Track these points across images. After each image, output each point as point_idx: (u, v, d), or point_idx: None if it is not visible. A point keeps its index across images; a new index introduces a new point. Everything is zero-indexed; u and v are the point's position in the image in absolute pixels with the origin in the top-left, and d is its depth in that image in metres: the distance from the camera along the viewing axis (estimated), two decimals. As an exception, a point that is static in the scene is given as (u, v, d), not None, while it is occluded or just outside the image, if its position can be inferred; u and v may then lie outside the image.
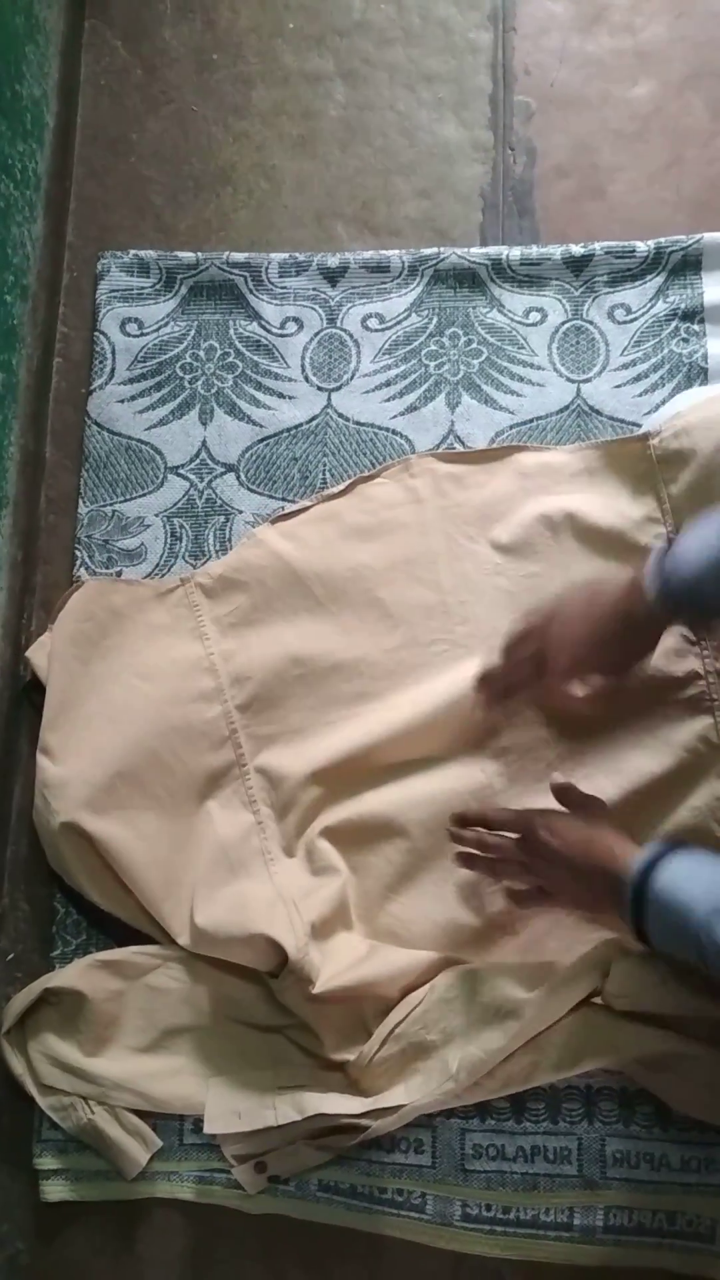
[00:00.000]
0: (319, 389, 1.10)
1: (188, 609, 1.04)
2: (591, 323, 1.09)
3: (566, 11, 1.19)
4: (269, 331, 1.11)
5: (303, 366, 1.11)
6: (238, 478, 1.08)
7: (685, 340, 1.07)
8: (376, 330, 1.11)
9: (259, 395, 1.10)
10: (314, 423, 1.09)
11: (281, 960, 0.89)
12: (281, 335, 1.11)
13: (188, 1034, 0.94)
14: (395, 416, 1.09)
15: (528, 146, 1.16)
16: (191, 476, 1.08)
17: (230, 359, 1.11)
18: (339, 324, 1.11)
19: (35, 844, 1.01)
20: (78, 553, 1.07)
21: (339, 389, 1.10)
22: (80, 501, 1.09)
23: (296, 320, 1.12)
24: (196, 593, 1.04)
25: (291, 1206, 0.92)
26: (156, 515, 1.08)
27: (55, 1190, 0.94)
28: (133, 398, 1.11)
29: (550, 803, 0.89)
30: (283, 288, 1.12)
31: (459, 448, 1.07)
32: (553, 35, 1.19)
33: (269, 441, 1.09)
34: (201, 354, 1.12)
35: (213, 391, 1.10)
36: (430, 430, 1.08)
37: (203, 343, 1.12)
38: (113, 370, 1.11)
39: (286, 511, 1.06)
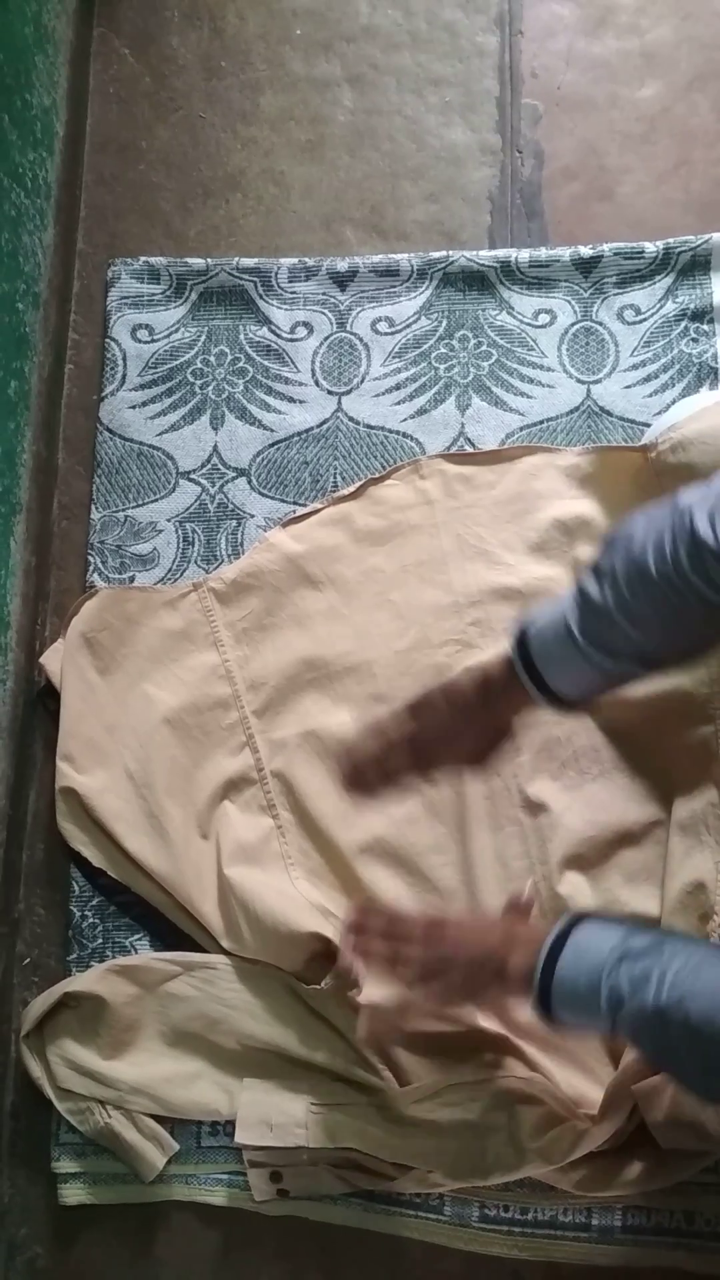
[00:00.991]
0: (329, 393, 1.10)
1: (201, 614, 1.04)
2: (601, 324, 1.09)
3: (573, 14, 1.20)
4: (279, 336, 1.12)
5: (313, 371, 1.11)
6: (249, 482, 1.09)
7: (695, 340, 1.07)
8: (386, 334, 1.11)
9: (269, 400, 1.10)
10: (324, 426, 1.09)
11: (322, 965, 0.90)
12: (291, 340, 1.12)
13: (206, 1041, 0.94)
14: (406, 419, 1.09)
15: (535, 149, 1.17)
16: (203, 481, 1.09)
17: (241, 364, 1.12)
18: (349, 328, 1.12)
19: (51, 849, 1.02)
20: (90, 558, 1.08)
21: (349, 393, 1.10)
22: (93, 507, 1.09)
23: (306, 325, 1.12)
24: (210, 598, 1.04)
25: (309, 1209, 0.92)
26: (169, 520, 1.08)
27: (73, 1193, 0.94)
28: (144, 404, 1.11)
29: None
30: (292, 292, 1.13)
31: (469, 450, 1.07)
32: (559, 38, 1.19)
33: (280, 446, 1.09)
34: (212, 359, 1.12)
35: (223, 396, 1.11)
36: (441, 433, 1.08)
37: (213, 348, 1.12)
38: (124, 376, 1.12)
39: (297, 515, 1.06)
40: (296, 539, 1.05)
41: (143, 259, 1.15)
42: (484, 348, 1.10)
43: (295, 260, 1.13)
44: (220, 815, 1.00)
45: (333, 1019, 0.91)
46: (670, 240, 1.09)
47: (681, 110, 1.16)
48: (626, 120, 1.16)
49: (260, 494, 1.08)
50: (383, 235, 1.16)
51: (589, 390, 1.07)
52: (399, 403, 1.09)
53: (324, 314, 1.12)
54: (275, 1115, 0.89)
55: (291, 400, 1.10)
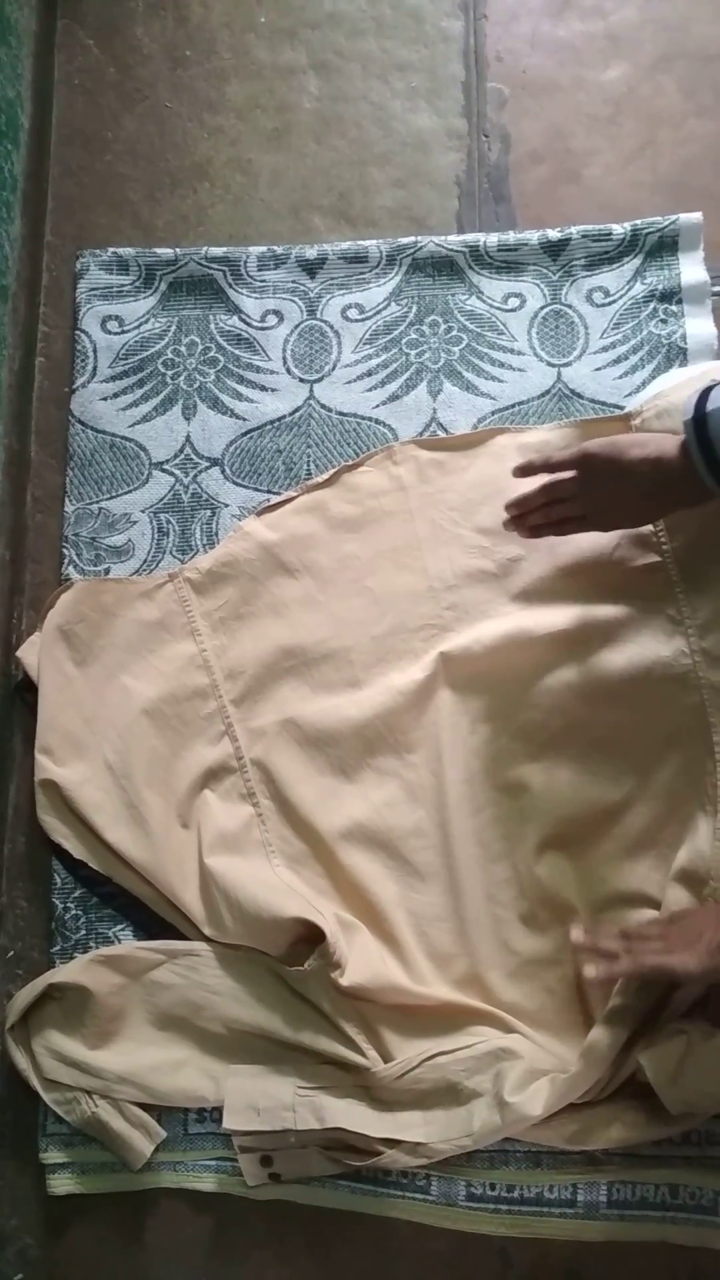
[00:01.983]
0: (301, 381, 1.10)
1: (178, 604, 1.04)
2: (570, 306, 1.09)
3: (537, -3, 1.20)
4: (249, 325, 1.12)
5: (284, 359, 1.11)
6: (222, 471, 1.09)
7: (664, 321, 1.07)
8: (356, 320, 1.11)
9: (241, 389, 1.10)
10: (297, 414, 1.09)
11: (304, 948, 0.91)
12: (262, 328, 1.12)
13: (191, 1028, 0.95)
14: (378, 406, 1.09)
15: (502, 133, 1.17)
16: (176, 472, 1.09)
17: (212, 353, 1.12)
18: (319, 315, 1.12)
19: (33, 841, 1.02)
20: (65, 551, 1.08)
21: (321, 380, 1.10)
22: (66, 500, 1.09)
23: (276, 313, 1.12)
24: (186, 588, 1.05)
25: (297, 1192, 0.92)
26: (143, 511, 1.08)
27: (62, 1183, 0.95)
28: (116, 395, 1.11)
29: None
30: (262, 281, 1.13)
31: (441, 435, 1.07)
32: (523, 21, 1.19)
33: (252, 434, 1.09)
34: (183, 349, 1.12)
35: (195, 386, 1.11)
36: (413, 419, 1.08)
37: (184, 338, 1.12)
38: (95, 368, 1.12)
39: (272, 503, 1.06)
40: (271, 527, 1.05)
41: (111, 250, 1.14)
42: (454, 332, 1.10)
43: (264, 249, 1.13)
44: (201, 804, 1.00)
45: (316, 1000, 0.91)
46: (638, 222, 1.09)
47: (647, 91, 1.16)
48: (592, 102, 1.16)
49: (234, 483, 1.08)
50: (351, 222, 1.16)
51: (559, 373, 1.08)
52: (371, 389, 1.10)
53: (294, 302, 1.12)
54: (262, 1099, 0.89)
55: (263, 389, 1.10)
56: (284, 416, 1.09)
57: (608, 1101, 0.87)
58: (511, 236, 1.11)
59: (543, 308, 1.09)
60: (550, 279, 1.10)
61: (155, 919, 0.99)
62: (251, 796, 1.00)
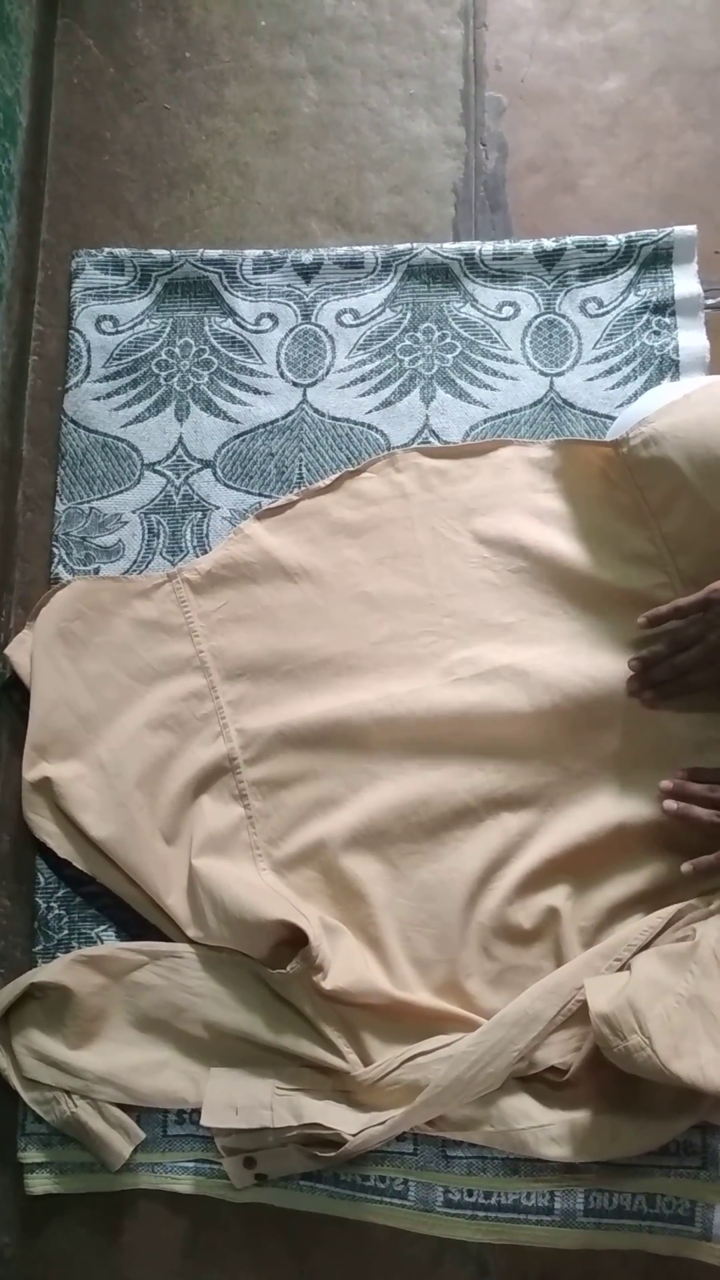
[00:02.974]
0: (294, 385, 1.11)
1: (176, 605, 1.04)
2: (564, 316, 1.10)
3: (536, 7, 1.20)
4: (244, 328, 1.12)
5: (278, 362, 1.11)
6: (214, 474, 1.09)
7: (656, 333, 1.08)
8: (351, 326, 1.12)
9: (235, 391, 1.11)
10: (290, 418, 1.10)
11: (287, 951, 0.91)
12: (256, 331, 1.12)
13: (172, 1030, 0.95)
14: (370, 411, 1.09)
15: (499, 142, 1.17)
16: (168, 473, 1.09)
17: (205, 355, 1.12)
18: (314, 320, 1.12)
19: (17, 840, 1.02)
20: (55, 550, 1.08)
21: (314, 384, 1.10)
22: (57, 499, 1.09)
23: (271, 316, 1.12)
24: (184, 588, 1.05)
25: (275, 1195, 0.92)
26: (134, 512, 1.08)
27: (40, 1183, 0.95)
28: (109, 395, 1.11)
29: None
30: (257, 284, 1.13)
31: (434, 442, 1.07)
32: (523, 31, 1.20)
33: (245, 437, 1.09)
34: (177, 351, 1.12)
35: (188, 388, 1.11)
36: (405, 425, 1.09)
37: (178, 340, 1.12)
38: (88, 368, 1.12)
39: (273, 506, 1.06)
40: (272, 531, 1.05)
41: (107, 250, 1.14)
42: (448, 340, 1.10)
43: (260, 252, 1.13)
44: (194, 812, 1.00)
45: (298, 1004, 0.91)
46: (632, 233, 1.09)
47: (644, 103, 1.17)
48: (590, 113, 1.17)
49: (226, 486, 1.08)
50: (347, 227, 1.16)
51: (552, 383, 1.08)
52: (364, 394, 1.10)
53: (289, 306, 1.12)
54: (241, 1099, 0.89)
55: (256, 392, 1.11)
56: (277, 420, 1.10)
57: (589, 1114, 0.87)
58: (507, 245, 1.11)
59: (536, 317, 1.10)
60: (544, 288, 1.10)
61: (138, 920, 0.99)
62: (243, 798, 1.00)
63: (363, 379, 1.10)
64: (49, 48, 1.22)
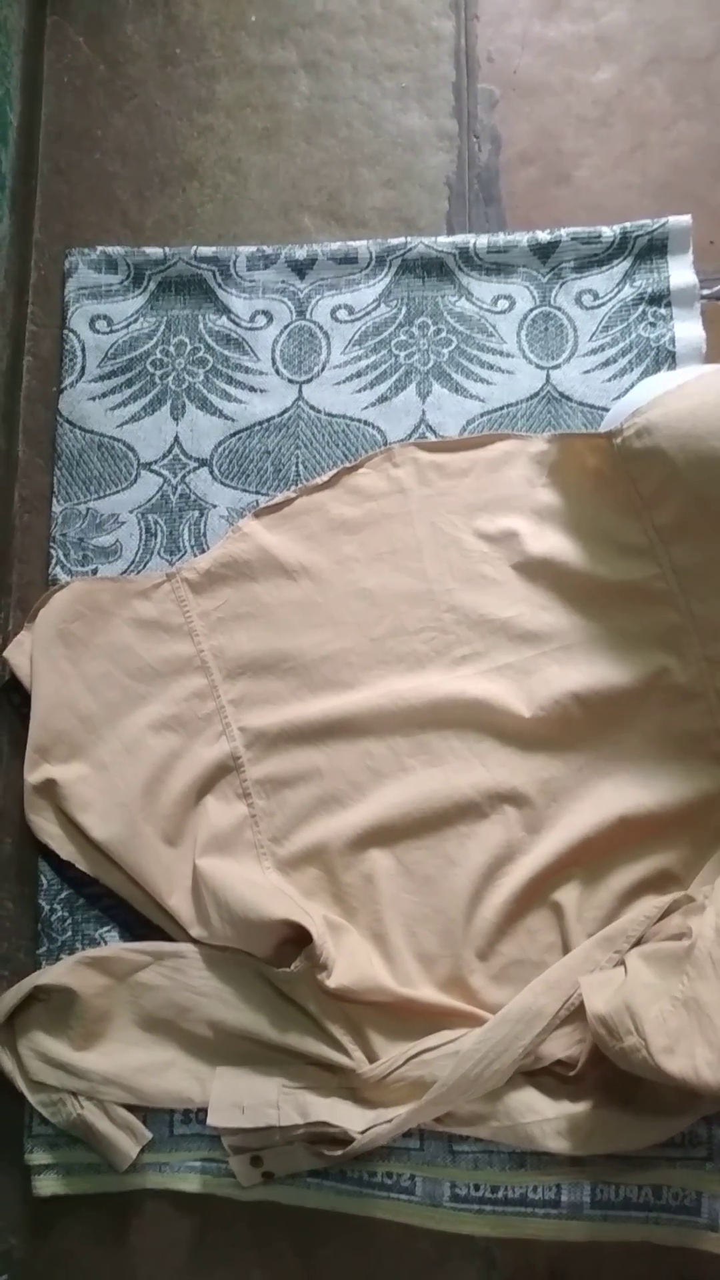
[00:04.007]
0: (290, 381, 1.10)
1: (175, 604, 1.04)
2: (559, 309, 1.09)
3: (528, -2, 1.20)
4: (238, 325, 1.12)
5: (273, 359, 1.11)
6: (211, 472, 1.08)
7: (652, 324, 1.08)
8: (346, 321, 1.11)
9: (230, 389, 1.10)
10: (286, 415, 1.09)
11: (291, 949, 0.91)
12: (251, 329, 1.12)
13: (177, 1030, 0.95)
14: (367, 407, 1.09)
15: (492, 134, 1.17)
16: (165, 472, 1.09)
17: (200, 354, 1.11)
18: (308, 316, 1.12)
19: (20, 842, 1.02)
20: (53, 551, 1.07)
21: (310, 381, 1.10)
22: (54, 500, 1.09)
23: (266, 313, 1.12)
24: (183, 588, 1.04)
25: (282, 1193, 0.93)
26: (131, 512, 1.08)
27: (47, 1184, 0.95)
28: (104, 395, 1.11)
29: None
30: (251, 281, 1.12)
31: (431, 437, 1.07)
32: (514, 22, 1.19)
33: (241, 435, 1.09)
34: (171, 349, 1.12)
35: (184, 387, 1.11)
36: (402, 420, 1.08)
37: (172, 338, 1.12)
38: (83, 368, 1.11)
39: (270, 504, 1.06)
40: (270, 528, 1.05)
41: (100, 249, 1.14)
42: (443, 334, 1.10)
43: (254, 248, 1.13)
44: (199, 813, 1.00)
45: (302, 1002, 0.92)
46: (627, 224, 1.09)
47: (637, 93, 1.16)
48: (582, 104, 1.16)
49: (222, 484, 1.08)
50: (341, 222, 1.16)
51: (548, 376, 1.08)
52: (360, 390, 1.09)
53: (283, 302, 1.12)
54: (246, 1098, 0.89)
55: (252, 389, 1.10)
56: (273, 417, 1.09)
57: (594, 1108, 0.87)
58: (501, 238, 1.11)
59: (532, 310, 1.10)
60: (539, 281, 1.10)
61: (142, 920, 0.99)
62: (247, 796, 1.00)
63: (358, 375, 1.10)
64: (38, 46, 1.22)
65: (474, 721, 0.98)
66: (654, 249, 1.09)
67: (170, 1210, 0.95)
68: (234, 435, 1.09)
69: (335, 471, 1.06)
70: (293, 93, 1.20)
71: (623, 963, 0.87)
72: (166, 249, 1.13)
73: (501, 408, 1.07)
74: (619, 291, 1.09)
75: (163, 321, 1.12)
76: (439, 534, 1.03)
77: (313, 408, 1.09)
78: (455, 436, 1.07)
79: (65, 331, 1.13)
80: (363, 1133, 0.87)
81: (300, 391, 1.10)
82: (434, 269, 1.11)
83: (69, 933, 0.99)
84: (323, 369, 1.10)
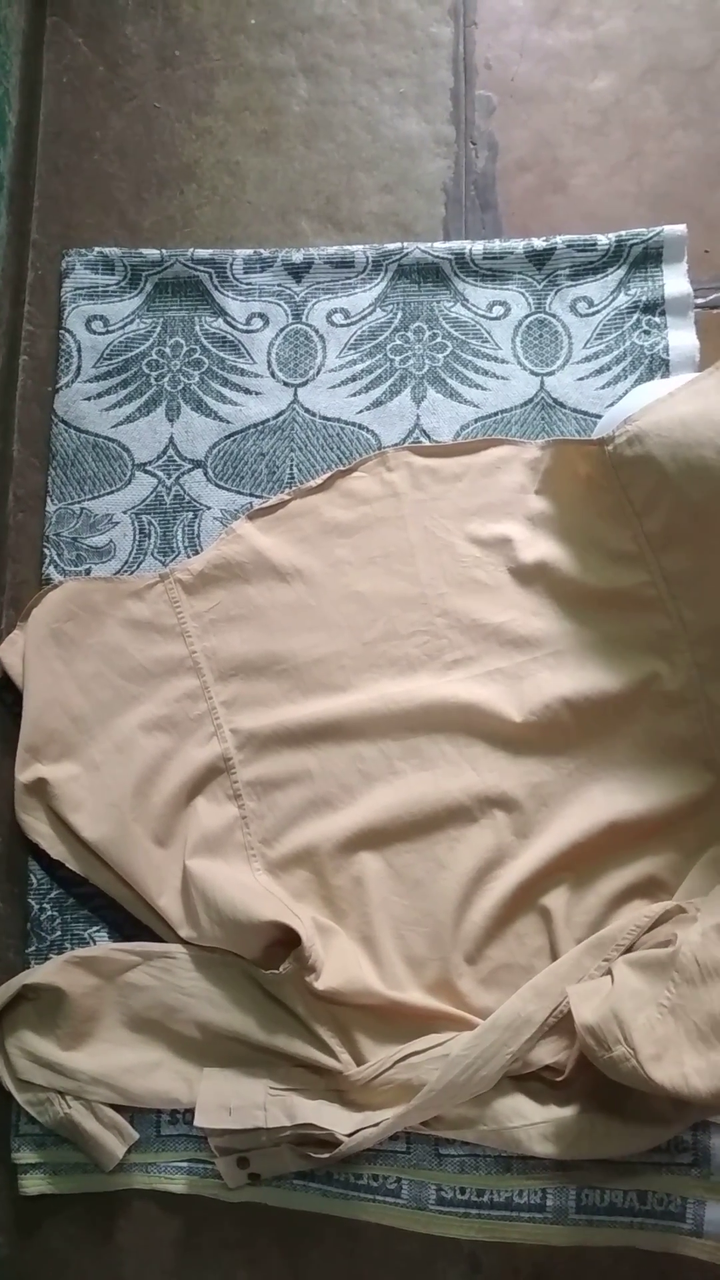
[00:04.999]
0: (285, 384, 1.10)
1: (168, 605, 1.04)
2: (554, 316, 1.10)
3: (526, 5, 1.20)
4: (234, 328, 1.12)
5: (269, 362, 1.11)
6: (205, 474, 1.09)
7: (647, 332, 1.08)
8: (342, 325, 1.11)
9: (225, 391, 1.10)
10: (281, 418, 1.10)
11: (280, 951, 0.91)
12: (247, 331, 1.12)
13: (166, 1030, 0.95)
14: (361, 411, 1.09)
15: (489, 140, 1.17)
16: (159, 473, 1.09)
17: (196, 355, 1.12)
18: (304, 319, 1.12)
19: (10, 841, 1.02)
20: (46, 550, 1.07)
21: (305, 384, 1.10)
22: (48, 499, 1.09)
23: (262, 316, 1.12)
24: (176, 589, 1.05)
25: (268, 1194, 0.93)
26: (125, 512, 1.08)
27: (34, 1184, 0.95)
28: (99, 395, 1.11)
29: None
30: (248, 284, 1.13)
31: (425, 442, 1.08)
32: (513, 29, 1.20)
33: (236, 437, 1.09)
34: (168, 351, 1.12)
35: (179, 388, 1.11)
36: (396, 425, 1.09)
37: (168, 339, 1.12)
38: (79, 368, 1.11)
39: (264, 506, 1.06)
40: (264, 530, 1.05)
41: (97, 249, 1.14)
42: (439, 339, 1.10)
43: (250, 251, 1.13)
44: (189, 814, 1.00)
45: (290, 1004, 0.92)
46: (622, 233, 1.09)
47: (634, 102, 1.17)
48: (579, 112, 1.17)
49: (217, 486, 1.08)
50: (338, 226, 1.16)
51: (542, 382, 1.08)
52: (355, 394, 1.10)
53: (280, 305, 1.12)
54: (234, 1099, 0.89)
55: (247, 392, 1.11)
56: (268, 420, 1.10)
57: (581, 1113, 0.88)
58: (497, 244, 1.11)
59: (527, 316, 1.10)
60: (535, 288, 1.10)
61: (131, 921, 0.99)
62: (238, 798, 1.00)
63: (354, 379, 1.10)
64: (38, 46, 1.22)
65: (465, 726, 0.98)
66: (649, 257, 1.09)
67: (157, 1210, 0.95)
68: (229, 437, 1.09)
69: (329, 474, 1.06)
70: (291, 96, 1.20)
71: (610, 971, 0.87)
72: (163, 250, 1.13)
73: (496, 413, 1.08)
74: (614, 299, 1.09)
75: (159, 323, 1.13)
76: (432, 538, 1.03)
77: (308, 411, 1.09)
78: (449, 441, 1.07)
79: (61, 331, 1.13)
80: (350, 1135, 0.87)
81: (295, 394, 1.10)
82: (430, 274, 1.11)
83: (58, 932, 0.99)
84: (318, 372, 1.10)
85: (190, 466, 1.09)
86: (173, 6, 1.24)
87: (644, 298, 1.08)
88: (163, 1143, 0.95)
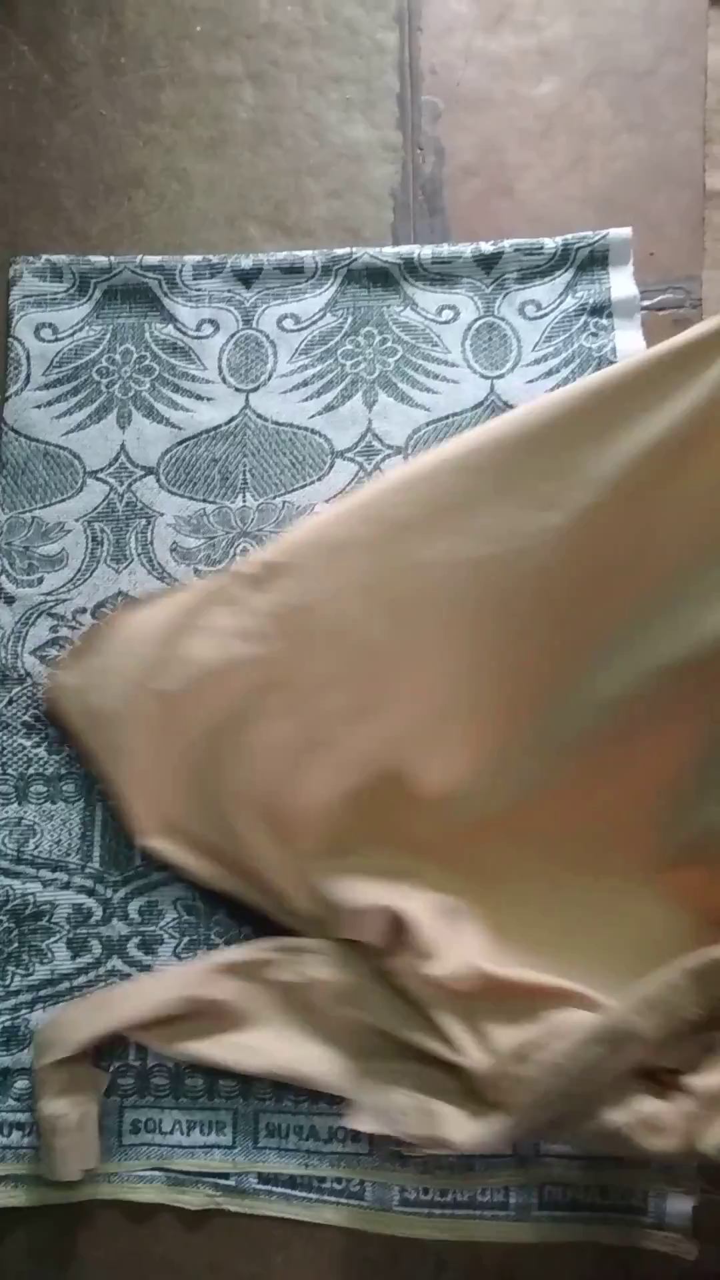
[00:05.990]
0: (237, 390, 1.11)
1: (237, 607, 0.98)
2: (503, 319, 1.11)
3: (471, 11, 1.21)
4: (185, 334, 1.12)
5: (220, 368, 1.11)
6: (158, 480, 1.08)
7: (594, 335, 1.09)
8: (292, 330, 1.12)
9: (177, 398, 1.10)
10: (233, 424, 1.10)
11: (397, 936, 0.89)
12: (197, 337, 1.12)
13: (312, 1025, 0.94)
14: (314, 416, 1.10)
15: (436, 146, 1.18)
16: (111, 480, 1.09)
17: (147, 362, 1.11)
18: (255, 325, 1.12)
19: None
20: (-1, 560, 1.07)
21: (257, 390, 1.10)
22: (-1, 508, 1.09)
23: (212, 322, 1.12)
24: (243, 584, 0.98)
25: (231, 1200, 0.93)
26: (77, 520, 1.08)
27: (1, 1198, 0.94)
28: (49, 403, 1.10)
29: None
30: (197, 290, 1.13)
31: (378, 446, 1.08)
32: (458, 35, 1.20)
33: (188, 444, 1.09)
34: (118, 358, 1.12)
35: (130, 395, 1.11)
36: (349, 429, 1.09)
37: (118, 346, 1.12)
38: (28, 376, 1.11)
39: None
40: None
41: (45, 257, 1.14)
42: (389, 344, 1.11)
43: (200, 257, 1.13)
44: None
45: (412, 994, 0.90)
46: (569, 236, 1.11)
47: (579, 106, 1.18)
48: (525, 117, 1.18)
49: (169, 492, 1.08)
50: (287, 232, 1.16)
51: (493, 385, 1.09)
52: (307, 399, 1.10)
53: (230, 311, 1.12)
54: (385, 1104, 0.88)
55: (199, 398, 1.10)
56: (220, 426, 1.10)
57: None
58: (445, 249, 1.12)
59: (476, 320, 1.11)
60: (483, 292, 1.11)
61: (248, 918, 0.99)
62: None
63: (305, 384, 1.10)
64: (-18, 54, 1.21)
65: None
66: (595, 261, 1.10)
67: (121, 1220, 0.94)
68: (181, 443, 1.09)
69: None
70: (238, 103, 1.20)
71: None
72: (112, 257, 1.13)
73: (446, 417, 1.08)
74: (561, 302, 1.10)
75: (109, 330, 1.12)
76: None
77: (260, 416, 1.10)
78: (400, 445, 1.07)
79: (10, 339, 1.12)
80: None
81: (247, 400, 1.10)
82: (379, 279, 1.12)
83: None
84: (269, 378, 1.11)
85: (142, 473, 1.09)
86: (118, 14, 1.23)
87: (591, 300, 1.09)
88: (125, 1152, 0.94)
